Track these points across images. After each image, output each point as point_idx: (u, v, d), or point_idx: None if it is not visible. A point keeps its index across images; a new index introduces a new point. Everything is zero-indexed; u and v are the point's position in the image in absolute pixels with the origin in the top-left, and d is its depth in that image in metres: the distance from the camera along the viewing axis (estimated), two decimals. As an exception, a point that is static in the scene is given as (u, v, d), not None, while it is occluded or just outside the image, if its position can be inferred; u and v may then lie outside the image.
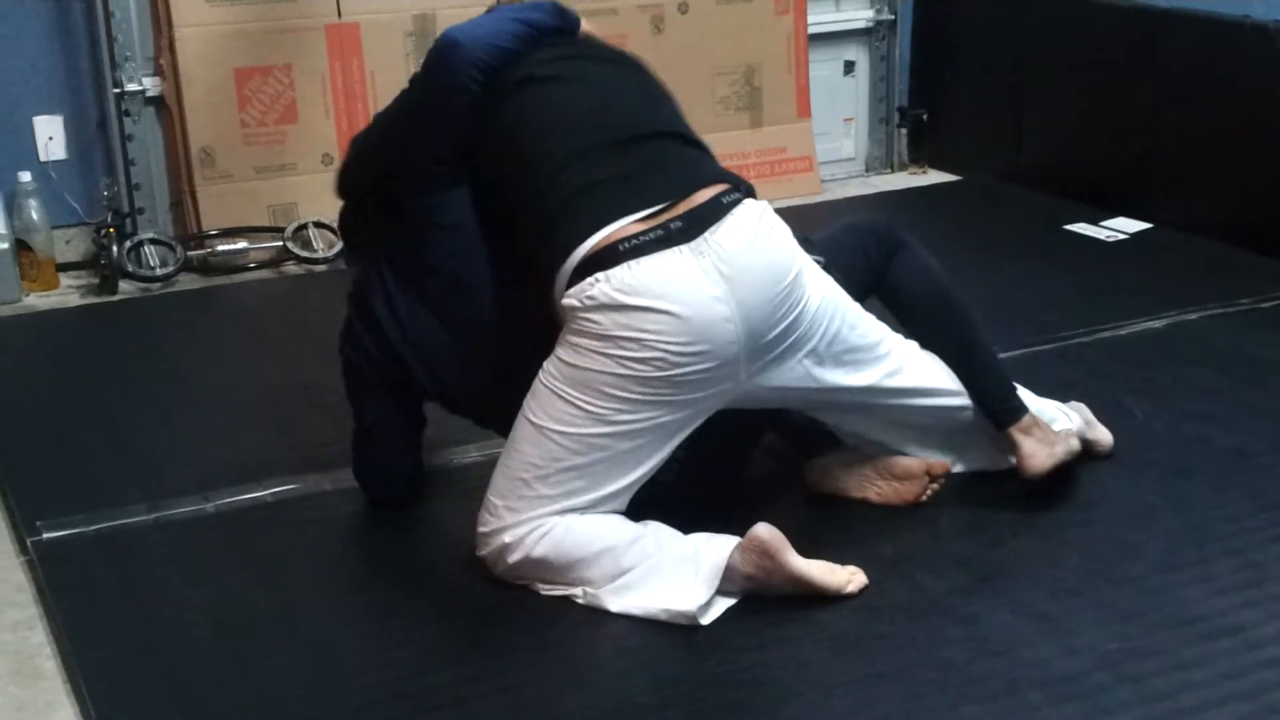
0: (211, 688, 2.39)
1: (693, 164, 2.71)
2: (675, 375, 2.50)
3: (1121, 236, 4.60)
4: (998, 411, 2.89)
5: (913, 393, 2.83)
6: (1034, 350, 3.65)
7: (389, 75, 4.67)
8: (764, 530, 2.53)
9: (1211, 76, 4.50)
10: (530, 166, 2.66)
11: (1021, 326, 3.80)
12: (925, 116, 5.61)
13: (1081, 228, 4.68)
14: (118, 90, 4.53)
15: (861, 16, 5.59)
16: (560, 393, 2.54)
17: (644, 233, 2.52)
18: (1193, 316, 3.85)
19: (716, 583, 2.52)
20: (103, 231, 4.41)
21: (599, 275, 2.49)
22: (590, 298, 2.49)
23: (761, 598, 2.55)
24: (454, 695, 2.34)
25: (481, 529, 2.62)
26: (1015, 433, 2.88)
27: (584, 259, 2.51)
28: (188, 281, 4.51)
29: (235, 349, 3.94)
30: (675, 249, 2.51)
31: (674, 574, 2.54)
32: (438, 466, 3.12)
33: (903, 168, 5.68)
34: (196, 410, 3.51)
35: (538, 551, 2.56)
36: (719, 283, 2.51)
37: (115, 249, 4.39)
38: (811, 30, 5.35)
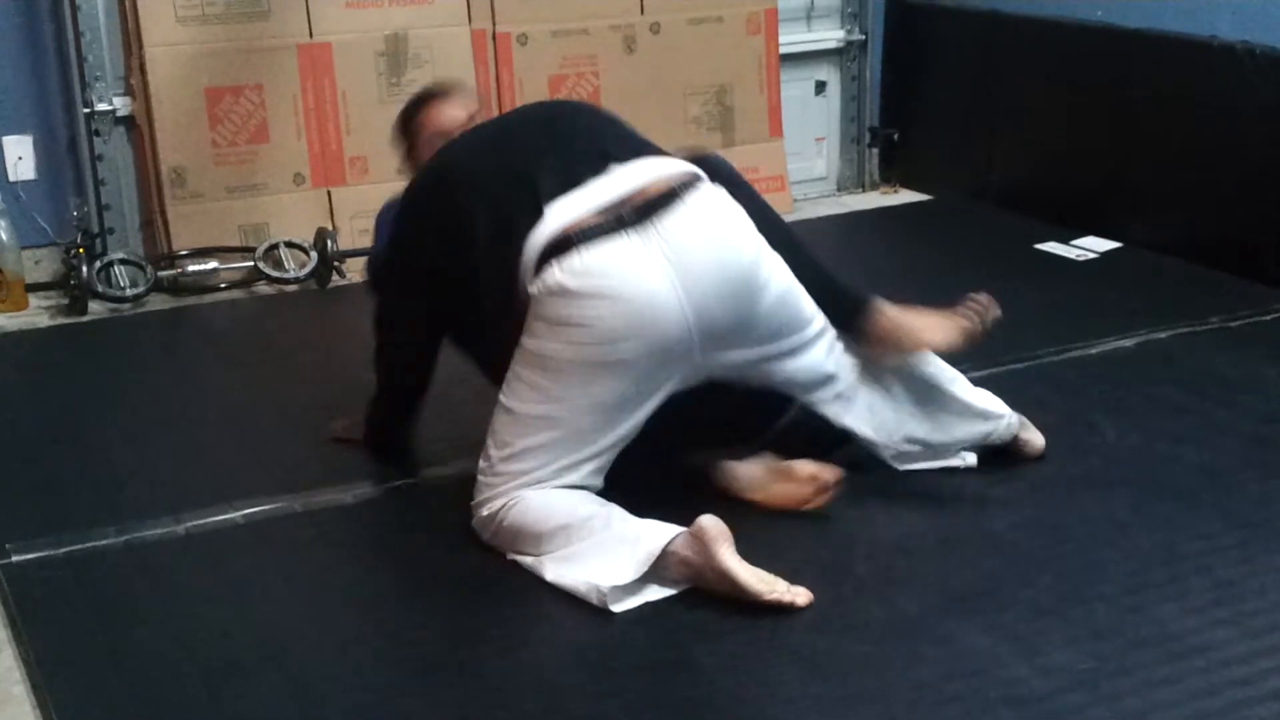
0: (182, 711, 2.37)
1: (648, 157, 2.84)
2: (623, 357, 2.65)
3: (1091, 255, 4.62)
4: (854, 300, 2.95)
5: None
6: (1005, 369, 3.65)
7: (360, 95, 4.68)
8: (708, 521, 2.59)
9: (1180, 96, 4.53)
10: (487, 192, 2.79)
11: (992, 345, 3.75)
12: (896, 136, 5.64)
13: (1052, 247, 4.70)
14: (88, 110, 4.52)
15: (833, 37, 5.61)
16: (521, 376, 2.72)
17: (597, 223, 2.66)
18: (1163, 335, 3.87)
19: (647, 566, 2.58)
20: (72, 252, 4.39)
21: (553, 262, 2.64)
22: (545, 285, 2.65)
23: (738, 614, 2.55)
24: (428, 718, 2.33)
25: (473, 502, 2.80)
26: (880, 313, 2.94)
27: (543, 250, 2.65)
28: (158, 302, 4.50)
29: (206, 369, 3.93)
30: (624, 236, 2.66)
31: (612, 553, 2.64)
32: (410, 485, 3.11)
33: (874, 187, 5.70)
34: (167, 431, 3.49)
35: (507, 523, 2.73)
36: (665, 267, 2.65)
37: (85, 269, 4.37)
38: (783, 50, 5.37)
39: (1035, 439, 3.16)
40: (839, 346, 2.95)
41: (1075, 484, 3.05)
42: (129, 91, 4.59)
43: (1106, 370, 3.68)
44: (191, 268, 4.54)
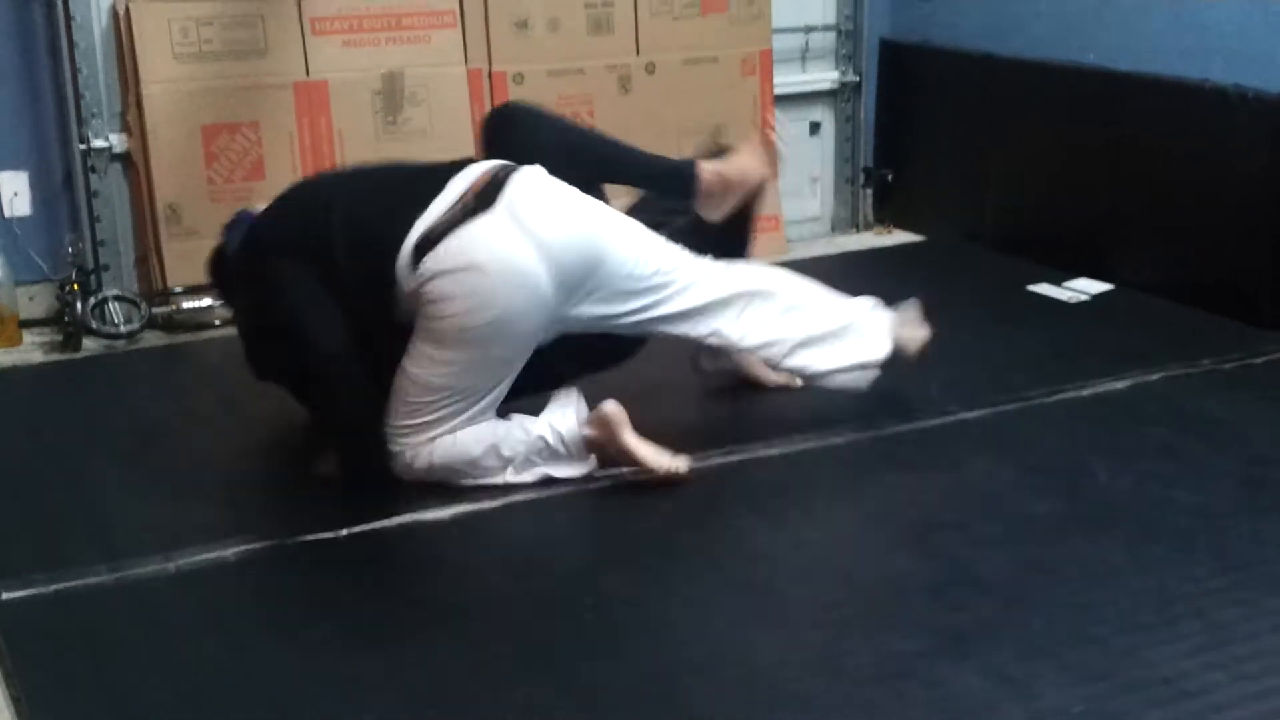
0: (172, 750, 2.37)
1: (466, 166, 3.26)
2: (496, 319, 3.07)
3: (1084, 297, 4.63)
4: (679, 171, 3.48)
5: (717, 304, 3.34)
6: (998, 410, 3.65)
7: (356, 133, 4.69)
8: (610, 407, 3.18)
9: (1172, 139, 4.54)
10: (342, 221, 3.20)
11: (985, 386, 3.81)
12: (890, 177, 5.65)
13: (1044, 288, 4.71)
14: (84, 146, 4.52)
15: (827, 78, 5.63)
16: (420, 349, 3.13)
17: (450, 215, 3.11)
18: (1155, 377, 3.87)
19: (578, 450, 3.22)
20: (67, 288, 4.39)
21: (426, 255, 3.07)
22: (420, 275, 3.08)
23: (726, 650, 2.54)
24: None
25: (391, 449, 3.19)
26: (703, 169, 3.47)
27: (411, 251, 3.09)
28: (152, 339, 4.49)
29: (199, 407, 3.92)
30: (479, 217, 3.10)
31: (549, 450, 3.21)
32: (404, 524, 3.11)
33: (868, 228, 5.72)
34: (159, 468, 3.48)
35: (437, 459, 3.17)
36: (517, 235, 3.09)
37: (79, 306, 4.37)
38: (778, 91, 5.39)
39: (915, 335, 3.52)
40: (698, 282, 3.33)
41: (1067, 525, 3.05)
42: (125, 128, 4.60)
43: (1099, 412, 3.68)
44: (186, 305, 4.54)
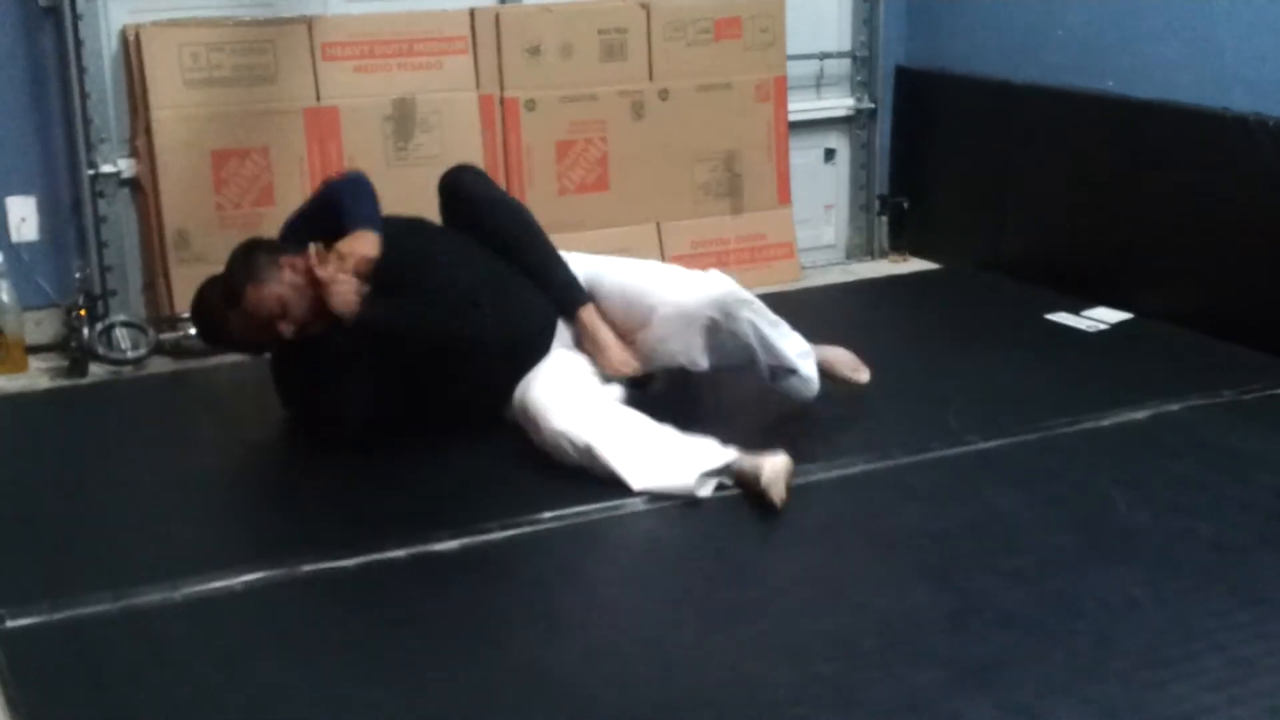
0: (173, 783, 2.34)
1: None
2: None
3: (1103, 327, 4.59)
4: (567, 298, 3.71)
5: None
6: (1016, 440, 3.62)
7: (367, 159, 4.67)
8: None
9: (1192, 168, 4.52)
10: None
11: (1003, 416, 3.78)
12: (906, 204, 5.63)
13: (1062, 317, 4.67)
14: (92, 172, 4.51)
15: (842, 105, 5.61)
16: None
17: None
18: (1175, 408, 3.83)
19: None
20: (74, 314, 4.38)
21: None
22: None
23: (742, 685, 2.51)
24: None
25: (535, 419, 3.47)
26: (583, 316, 3.70)
27: None
28: (159, 365, 4.47)
29: (206, 434, 3.89)
30: None
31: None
32: (412, 555, 3.07)
33: (883, 255, 5.69)
34: (165, 496, 3.46)
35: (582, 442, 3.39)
36: None
37: (86, 331, 4.36)
38: (792, 118, 5.37)
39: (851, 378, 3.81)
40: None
41: (1087, 558, 3.01)
42: (134, 154, 4.58)
43: (1119, 443, 3.64)
44: (193, 331, 4.51)
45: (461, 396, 3.66)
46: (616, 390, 3.62)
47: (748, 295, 3.60)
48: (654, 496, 3.27)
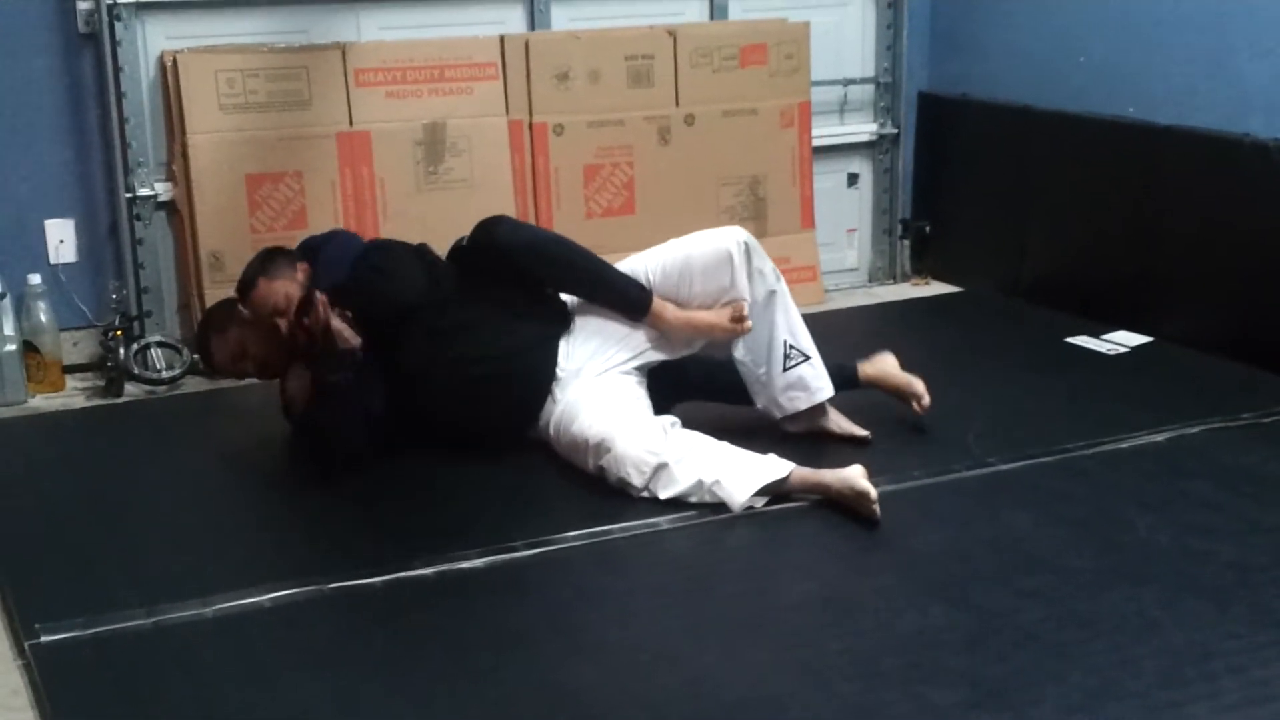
0: (207, 795, 2.37)
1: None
2: None
3: (1123, 350, 4.61)
4: (637, 299, 3.70)
5: None
6: (1036, 462, 3.64)
7: (398, 183, 4.74)
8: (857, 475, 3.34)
9: (1212, 193, 4.54)
10: None
11: (1023, 438, 3.80)
12: (928, 229, 5.66)
13: (1083, 340, 4.69)
14: (129, 195, 4.58)
15: (865, 130, 5.65)
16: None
17: None
18: (1194, 430, 3.85)
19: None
20: (110, 334, 4.43)
21: None
22: None
23: (764, 705, 2.53)
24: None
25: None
26: (656, 312, 3.70)
27: None
28: (194, 384, 4.53)
29: (239, 453, 3.94)
30: None
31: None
32: (439, 573, 3.11)
33: (905, 279, 5.72)
34: (199, 513, 3.51)
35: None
36: None
37: (122, 351, 4.41)
38: (816, 143, 5.41)
39: (843, 425, 3.82)
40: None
41: (1106, 579, 3.03)
42: (170, 177, 4.65)
43: (1138, 465, 3.66)
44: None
45: (476, 429, 3.74)
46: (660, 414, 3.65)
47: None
48: (677, 516, 3.30)
